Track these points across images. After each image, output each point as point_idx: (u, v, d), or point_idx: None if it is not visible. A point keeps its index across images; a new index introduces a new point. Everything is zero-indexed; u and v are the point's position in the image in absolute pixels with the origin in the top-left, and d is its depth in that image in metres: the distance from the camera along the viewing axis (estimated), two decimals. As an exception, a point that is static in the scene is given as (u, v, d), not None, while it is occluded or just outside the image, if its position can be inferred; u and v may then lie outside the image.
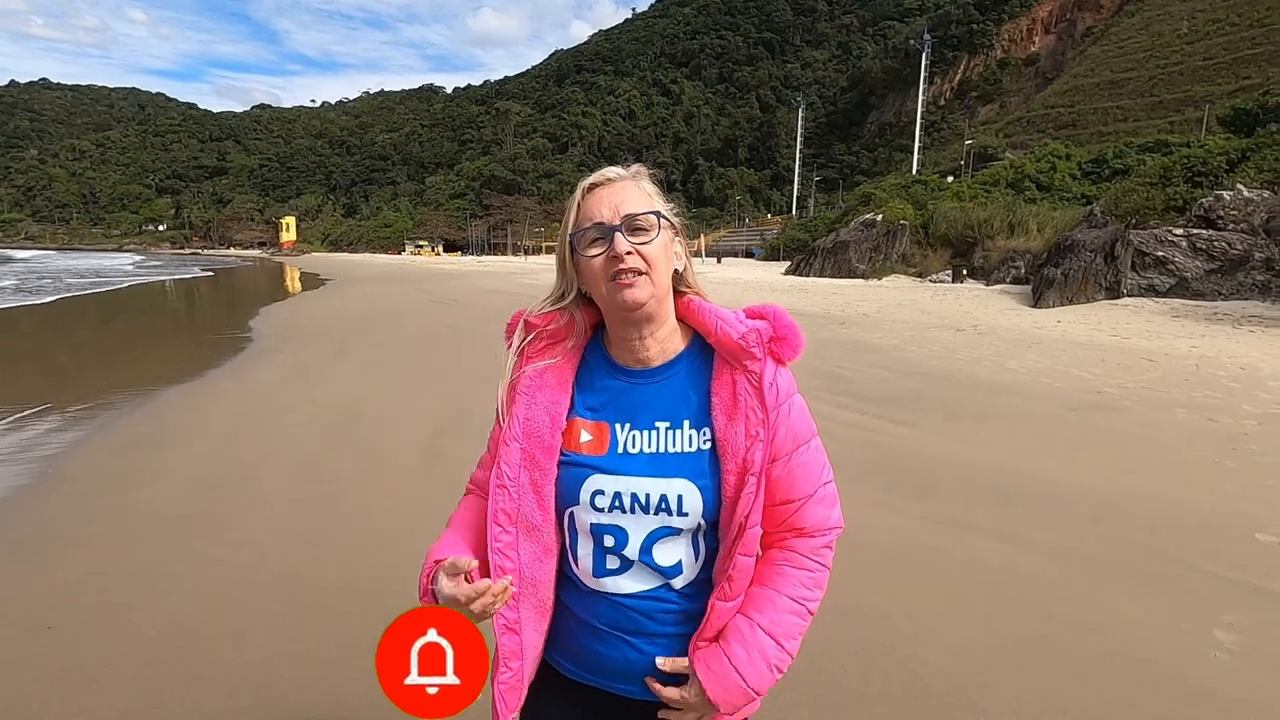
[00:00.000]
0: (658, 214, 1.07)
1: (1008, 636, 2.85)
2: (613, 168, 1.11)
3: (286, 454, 5.45)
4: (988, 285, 22.84)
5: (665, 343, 1.12)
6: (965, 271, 25.13)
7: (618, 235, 1.04)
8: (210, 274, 44.98)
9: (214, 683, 2.61)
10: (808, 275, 31.73)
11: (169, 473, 5.04)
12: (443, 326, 14.84)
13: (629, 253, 1.03)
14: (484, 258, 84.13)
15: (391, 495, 4.52)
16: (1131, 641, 2.81)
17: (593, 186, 1.08)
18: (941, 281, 25.58)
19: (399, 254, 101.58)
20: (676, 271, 1.12)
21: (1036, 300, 17.10)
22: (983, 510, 4.29)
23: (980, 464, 5.21)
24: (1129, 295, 15.99)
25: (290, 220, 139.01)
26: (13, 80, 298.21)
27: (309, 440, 5.84)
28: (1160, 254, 15.86)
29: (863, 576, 3.41)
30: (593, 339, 1.17)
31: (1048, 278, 17.27)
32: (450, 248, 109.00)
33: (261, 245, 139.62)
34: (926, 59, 70.31)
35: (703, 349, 1.13)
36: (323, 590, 3.30)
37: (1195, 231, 15.81)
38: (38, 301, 21.75)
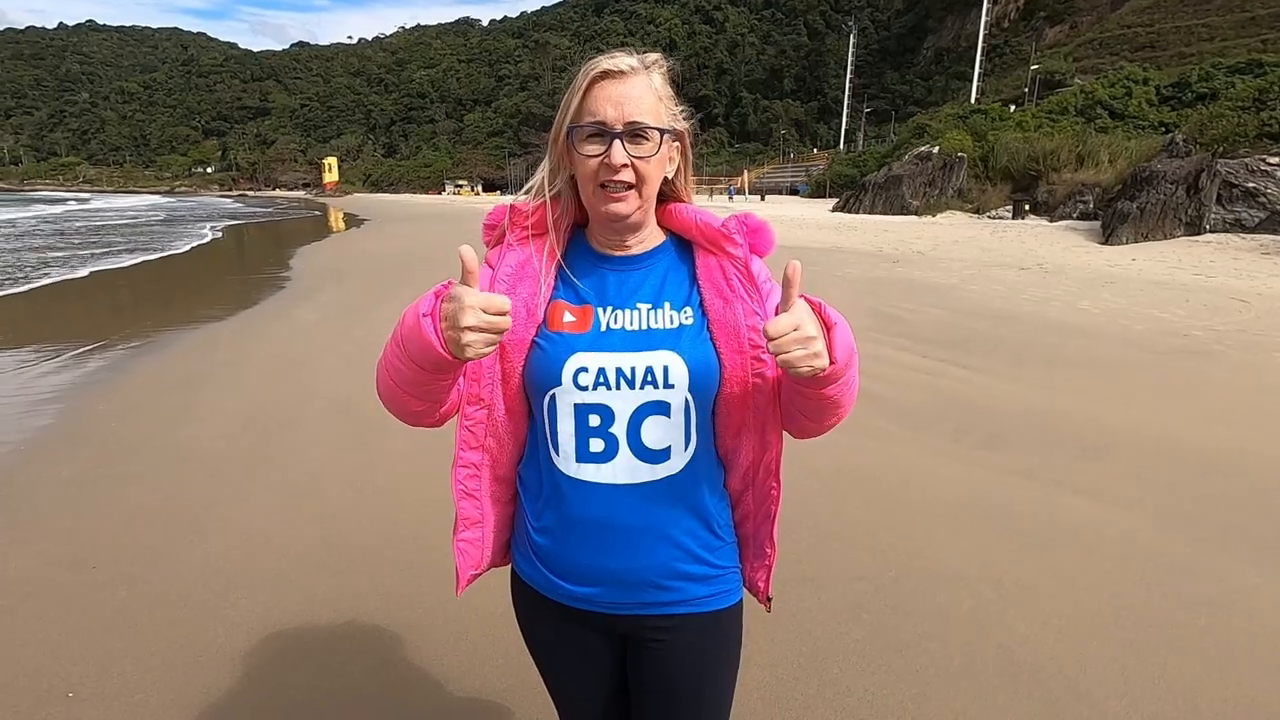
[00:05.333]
0: (663, 131, 1.02)
1: (1105, 606, 2.56)
2: (627, 57, 1.02)
3: (327, 395, 5.37)
4: (1052, 221, 21.56)
5: (646, 241, 1.13)
6: (1027, 207, 23.73)
7: (616, 144, 0.99)
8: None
9: (251, 630, 2.52)
10: (857, 212, 30.51)
11: (214, 411, 5.01)
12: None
13: (624, 165, 1.00)
14: (523, 197, 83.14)
15: (432, 438, 4.38)
16: (1250, 616, 2.50)
17: (603, 75, 1.01)
18: (1001, 218, 24.25)
19: (440, 194, 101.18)
20: (667, 178, 1.09)
21: (1107, 237, 16.02)
22: (1063, 463, 3.95)
23: (1056, 411, 4.82)
24: (1211, 231, 14.83)
25: (332, 161, 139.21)
26: (61, 23, 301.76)
27: (349, 381, 5.75)
28: (1251, 185, 14.58)
29: (934, 533, 3.15)
30: (576, 229, 1.15)
31: (1121, 212, 16.12)
32: (489, 187, 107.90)
33: (305, 186, 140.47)
34: (992, -24, 65.06)
35: (679, 243, 1.14)
36: (362, 535, 3.19)
37: (1293, 160, 14.46)
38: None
